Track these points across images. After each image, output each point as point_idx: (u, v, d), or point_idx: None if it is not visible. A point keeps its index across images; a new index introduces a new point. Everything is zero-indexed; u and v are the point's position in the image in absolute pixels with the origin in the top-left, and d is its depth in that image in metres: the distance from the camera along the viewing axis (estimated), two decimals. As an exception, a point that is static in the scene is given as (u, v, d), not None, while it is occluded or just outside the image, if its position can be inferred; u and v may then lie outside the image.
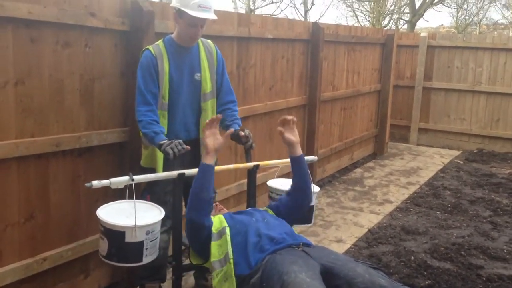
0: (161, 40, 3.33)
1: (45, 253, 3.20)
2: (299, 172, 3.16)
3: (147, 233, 2.80)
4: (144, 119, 3.16)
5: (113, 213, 2.88)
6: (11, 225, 3.00)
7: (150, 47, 3.24)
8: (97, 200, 3.43)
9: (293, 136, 3.12)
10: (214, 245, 2.81)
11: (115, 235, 2.76)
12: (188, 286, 3.79)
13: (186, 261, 3.79)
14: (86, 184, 2.83)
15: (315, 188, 3.58)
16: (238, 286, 2.64)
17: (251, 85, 5.05)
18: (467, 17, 30.46)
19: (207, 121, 2.93)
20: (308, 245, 2.73)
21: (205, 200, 2.82)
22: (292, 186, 3.21)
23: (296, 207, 3.17)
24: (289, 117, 3.12)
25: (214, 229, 2.85)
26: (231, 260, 2.69)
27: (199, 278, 3.73)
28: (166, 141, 3.10)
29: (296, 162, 3.17)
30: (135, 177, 2.95)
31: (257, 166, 3.52)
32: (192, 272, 3.78)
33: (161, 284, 3.58)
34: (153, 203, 3.07)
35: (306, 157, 3.75)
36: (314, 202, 3.52)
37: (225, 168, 3.51)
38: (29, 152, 3.01)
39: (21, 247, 3.07)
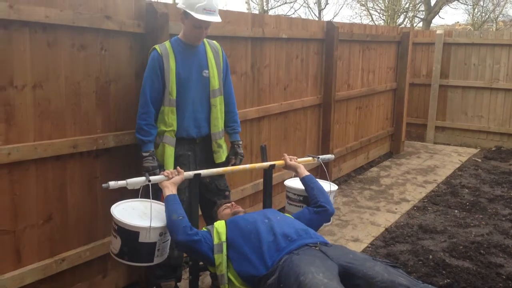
0: (168, 41, 3.41)
1: (63, 254, 3.24)
2: (314, 191, 3.28)
3: (160, 235, 2.83)
4: (140, 122, 3.32)
5: (127, 212, 2.91)
6: (30, 226, 3.04)
7: (157, 47, 3.32)
8: (114, 201, 3.45)
9: (293, 161, 3.49)
10: (217, 257, 2.81)
11: (129, 234, 2.78)
12: (205, 286, 3.81)
13: (203, 261, 3.81)
14: (103, 185, 2.87)
15: (333, 187, 3.56)
16: (255, 286, 2.64)
17: (265, 85, 5.05)
18: (483, 14, 30.08)
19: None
20: (325, 244, 2.71)
21: (176, 220, 2.79)
22: (313, 206, 3.24)
23: (318, 223, 3.21)
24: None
25: (215, 241, 2.85)
26: (225, 286, 2.78)
27: (215, 278, 3.73)
28: (150, 153, 3.29)
29: (306, 182, 3.35)
30: (151, 177, 2.98)
31: (273, 166, 3.53)
32: (208, 272, 3.79)
33: (178, 283, 3.60)
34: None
35: (323, 156, 3.75)
36: (332, 200, 3.51)
37: (241, 169, 3.52)
38: (47, 154, 3.05)
39: (40, 248, 3.11)
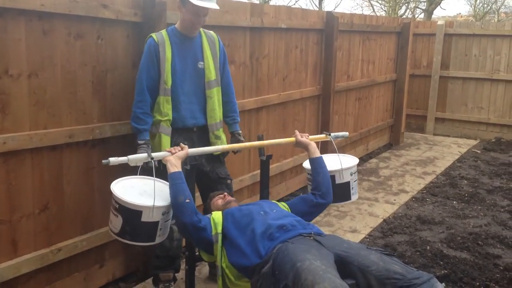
0: (164, 30, 3.39)
1: (60, 244, 3.23)
2: (320, 177, 3.16)
3: (163, 214, 2.78)
4: (136, 110, 3.29)
5: (125, 190, 2.82)
6: (26, 216, 3.04)
7: (153, 35, 3.30)
8: (110, 192, 3.44)
9: (304, 138, 3.33)
10: (214, 248, 2.79)
11: (131, 213, 2.70)
12: (202, 276, 3.81)
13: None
14: (103, 161, 2.78)
15: (347, 163, 3.44)
16: (249, 277, 2.63)
17: (264, 75, 5.03)
18: (485, 5, 29.96)
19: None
20: (319, 234, 2.71)
21: (183, 203, 2.73)
22: (314, 188, 3.16)
23: (313, 215, 3.14)
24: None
25: (212, 232, 2.82)
26: (220, 278, 2.75)
27: (213, 267, 3.74)
28: (145, 141, 3.25)
29: (313, 164, 3.22)
30: (154, 154, 2.91)
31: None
32: (206, 262, 3.79)
33: (175, 274, 3.60)
34: (166, 182, 3.04)
35: (336, 133, 3.64)
36: (349, 178, 3.39)
37: (239, 146, 3.48)
38: (43, 143, 3.04)
39: (36, 238, 3.11)
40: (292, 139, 3.39)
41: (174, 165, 2.86)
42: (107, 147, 3.47)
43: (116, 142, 3.52)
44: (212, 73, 3.45)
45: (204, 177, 3.53)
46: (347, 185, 3.39)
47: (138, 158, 2.86)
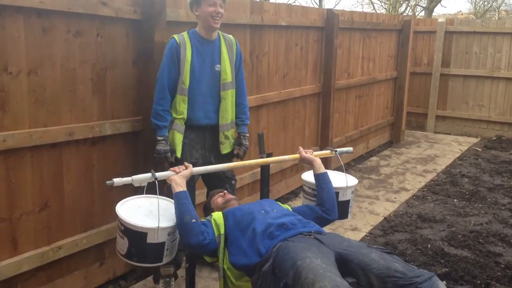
0: (186, 32, 3.47)
1: (60, 242, 3.23)
2: (323, 193, 3.12)
3: (168, 234, 2.72)
4: (157, 107, 3.39)
5: (132, 210, 2.79)
6: (26, 214, 3.03)
7: (175, 36, 3.40)
8: (111, 190, 3.44)
9: (310, 154, 3.31)
10: (218, 249, 2.78)
11: (136, 235, 2.65)
12: (202, 274, 3.80)
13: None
14: (107, 182, 2.74)
15: (351, 182, 3.45)
16: (250, 275, 2.62)
17: (264, 73, 5.02)
18: (485, 3, 29.90)
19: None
20: (319, 232, 2.70)
21: (189, 223, 2.68)
22: (317, 209, 3.10)
23: (319, 222, 3.05)
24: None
25: (215, 234, 2.79)
26: (221, 279, 2.74)
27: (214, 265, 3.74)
28: (164, 137, 3.36)
29: (318, 180, 3.19)
30: (158, 174, 2.87)
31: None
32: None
33: (176, 271, 3.59)
34: (172, 201, 3.02)
35: (341, 149, 3.65)
36: (350, 196, 3.41)
37: (240, 165, 3.43)
38: (43, 141, 3.03)
39: (36, 236, 3.11)
40: (297, 155, 3.38)
41: (179, 185, 2.82)
42: (107, 145, 3.46)
43: (116, 140, 3.51)
44: (228, 75, 3.54)
45: (211, 175, 3.54)
46: (347, 203, 3.41)
47: (142, 178, 2.83)
